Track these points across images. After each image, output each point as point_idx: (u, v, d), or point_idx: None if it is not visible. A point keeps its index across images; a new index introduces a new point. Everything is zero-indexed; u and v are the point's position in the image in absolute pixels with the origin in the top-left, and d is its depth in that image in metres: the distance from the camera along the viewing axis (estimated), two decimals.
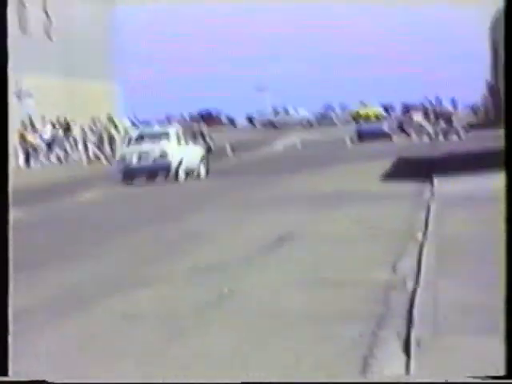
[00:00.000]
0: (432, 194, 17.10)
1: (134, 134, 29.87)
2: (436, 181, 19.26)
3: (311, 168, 28.58)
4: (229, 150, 43.83)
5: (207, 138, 50.73)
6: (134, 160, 26.89)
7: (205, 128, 52.35)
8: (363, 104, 77.89)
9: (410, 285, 8.44)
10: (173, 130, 29.25)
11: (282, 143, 49.95)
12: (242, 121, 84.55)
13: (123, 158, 27.53)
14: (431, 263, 9.40)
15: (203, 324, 7.46)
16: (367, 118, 71.17)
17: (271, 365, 6.10)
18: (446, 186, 18.20)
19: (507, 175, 1.70)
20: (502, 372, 1.90)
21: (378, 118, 70.20)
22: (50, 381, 5.34)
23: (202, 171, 28.13)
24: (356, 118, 71.11)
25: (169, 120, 55.75)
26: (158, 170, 26.93)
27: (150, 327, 7.46)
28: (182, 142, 28.07)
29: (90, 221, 17.64)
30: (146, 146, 27.27)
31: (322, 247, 11.52)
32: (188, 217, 16.49)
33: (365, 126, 53.23)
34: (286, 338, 6.81)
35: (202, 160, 28.55)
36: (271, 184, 23.18)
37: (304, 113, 77.23)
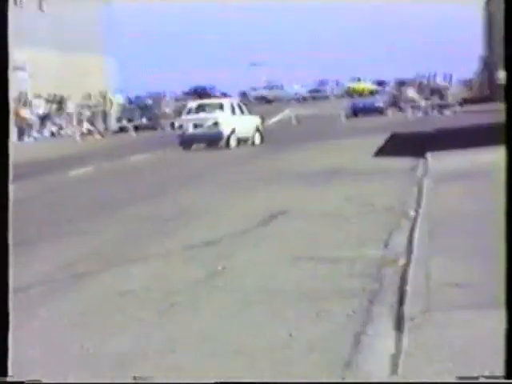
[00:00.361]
0: (425, 169, 17.12)
1: (193, 104, 32.54)
2: (429, 156, 19.27)
3: (306, 143, 28.58)
4: None
5: None
6: (190, 128, 29.59)
7: None
8: (357, 79, 77.72)
9: (402, 261, 8.48)
10: (227, 102, 32.23)
11: (276, 118, 49.85)
12: (235, 96, 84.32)
13: (181, 126, 30.39)
14: (423, 239, 9.43)
15: (198, 301, 7.49)
16: (361, 93, 71.12)
17: (265, 341, 6.13)
18: (439, 161, 18.22)
19: (508, 156, 1.71)
20: (501, 372, 1.92)
21: (372, 93, 70.14)
22: (50, 381, 5.38)
23: (257, 140, 30.66)
24: (350, 93, 71.06)
25: (163, 95, 55.63)
26: (211, 138, 29.34)
27: (144, 304, 7.49)
28: (237, 112, 30.59)
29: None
30: (201, 115, 30.04)
31: (315, 224, 11.54)
32: (183, 191, 16.51)
33: (359, 102, 53.22)
34: (279, 314, 6.84)
35: (257, 129, 31.06)
36: (265, 160, 23.19)
37: (298, 88, 77.06)
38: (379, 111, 48.83)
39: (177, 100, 55.89)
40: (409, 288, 7.26)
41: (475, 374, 5.01)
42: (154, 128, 47.34)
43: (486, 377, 2.14)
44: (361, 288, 7.50)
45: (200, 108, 31.04)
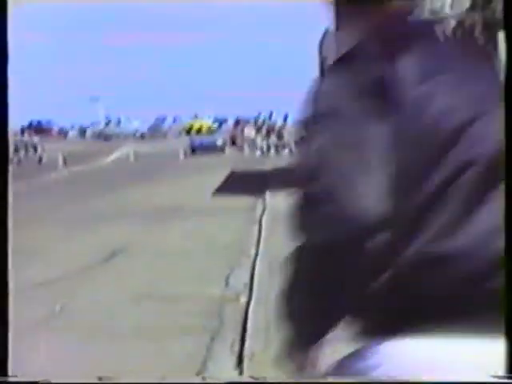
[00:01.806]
0: (264, 208, 17.40)
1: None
2: (268, 195, 19.61)
3: (144, 181, 28.49)
4: (60, 161, 43.07)
5: (39, 149, 49.78)
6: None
7: (36, 139, 51.34)
8: (196, 117, 78.46)
9: (243, 299, 8.57)
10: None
11: (114, 155, 49.52)
12: (73, 132, 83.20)
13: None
14: (263, 276, 9.57)
15: (35, 343, 7.29)
16: (200, 130, 71.78)
17: None
18: (277, 200, 18.54)
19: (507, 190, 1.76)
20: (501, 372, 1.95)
21: (210, 131, 70.92)
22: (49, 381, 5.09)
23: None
24: (189, 130, 71.57)
25: None
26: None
27: None
28: None
29: None
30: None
31: (155, 261, 11.50)
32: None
33: (198, 139, 53.65)
34: (118, 353, 6.76)
35: None
36: (104, 197, 22.93)
37: (137, 124, 76.92)
38: (218, 149, 49.38)
39: (14, 135, 54.57)
40: (249, 325, 7.34)
41: None
42: None
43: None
44: (202, 326, 7.52)
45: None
